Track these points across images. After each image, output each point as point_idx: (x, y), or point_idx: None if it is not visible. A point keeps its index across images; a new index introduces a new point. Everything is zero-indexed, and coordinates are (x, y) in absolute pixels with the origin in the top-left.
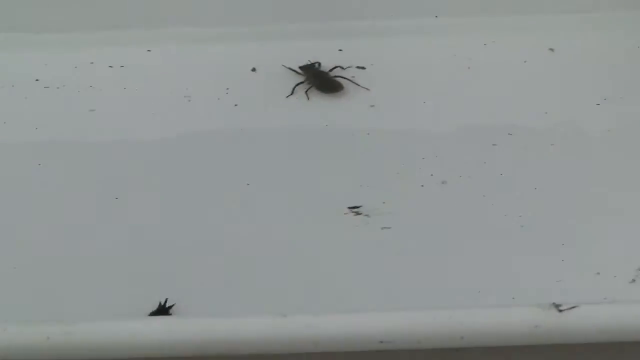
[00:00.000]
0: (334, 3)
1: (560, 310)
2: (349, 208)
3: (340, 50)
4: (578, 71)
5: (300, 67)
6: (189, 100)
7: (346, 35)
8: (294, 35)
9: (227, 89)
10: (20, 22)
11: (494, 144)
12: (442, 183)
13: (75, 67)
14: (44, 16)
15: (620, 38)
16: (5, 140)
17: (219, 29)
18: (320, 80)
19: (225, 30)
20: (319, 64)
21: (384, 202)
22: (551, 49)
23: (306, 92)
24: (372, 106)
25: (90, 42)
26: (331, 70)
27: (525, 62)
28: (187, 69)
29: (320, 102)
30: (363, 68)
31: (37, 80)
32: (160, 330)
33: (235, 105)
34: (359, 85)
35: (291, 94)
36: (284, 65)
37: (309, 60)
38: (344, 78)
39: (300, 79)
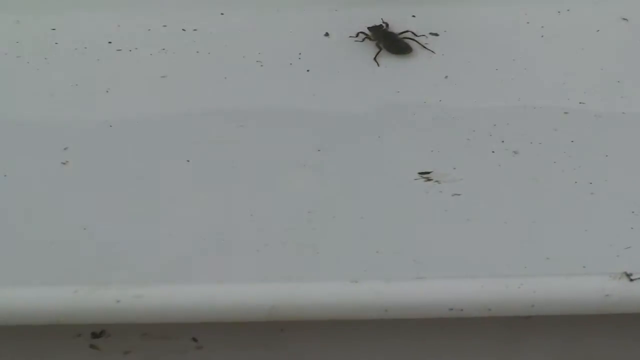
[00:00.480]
0: None
1: (632, 280)
2: (420, 174)
3: (413, 16)
4: None
5: (369, 28)
6: (262, 65)
7: (420, 2)
8: (367, 1)
9: (300, 54)
10: None
11: (565, 112)
12: (513, 152)
13: (149, 30)
14: None
15: None
16: (76, 101)
17: None
18: (389, 41)
19: None
20: (387, 24)
21: (454, 168)
22: (625, 19)
23: (375, 58)
24: (446, 77)
25: (163, 4)
26: (401, 33)
27: (598, 31)
28: (260, 34)
29: (394, 70)
30: (436, 35)
31: (109, 42)
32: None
33: (308, 70)
34: (427, 48)
35: (377, 65)
36: (351, 36)
37: (380, 20)
38: (413, 40)
39: (370, 41)
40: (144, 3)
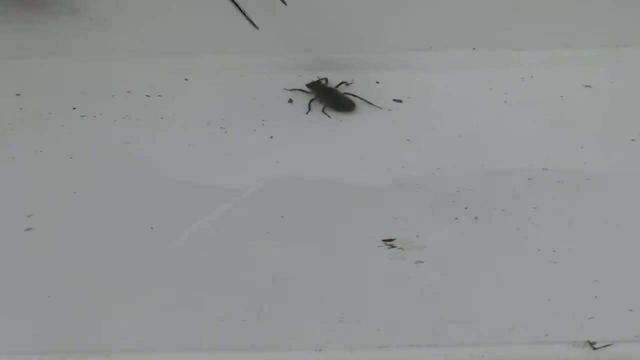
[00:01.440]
0: (372, 35)
1: (595, 348)
2: (384, 241)
3: (377, 82)
4: (614, 107)
5: (308, 85)
6: (225, 132)
7: (384, 68)
8: (331, 65)
9: (264, 120)
10: (59, 49)
11: (529, 178)
12: (475, 218)
13: (112, 96)
14: (82, 44)
15: None
16: (39, 167)
17: (255, 58)
18: (332, 98)
19: (262, 59)
20: (326, 79)
21: (417, 236)
22: (587, 85)
23: (323, 110)
24: (408, 140)
25: (127, 70)
26: (337, 86)
27: (561, 97)
28: (224, 100)
29: (357, 136)
30: (400, 101)
31: (74, 108)
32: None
33: (271, 137)
34: (371, 103)
35: (309, 110)
36: (285, 89)
37: (316, 77)
38: (355, 96)
39: (310, 96)
40: (108, 69)
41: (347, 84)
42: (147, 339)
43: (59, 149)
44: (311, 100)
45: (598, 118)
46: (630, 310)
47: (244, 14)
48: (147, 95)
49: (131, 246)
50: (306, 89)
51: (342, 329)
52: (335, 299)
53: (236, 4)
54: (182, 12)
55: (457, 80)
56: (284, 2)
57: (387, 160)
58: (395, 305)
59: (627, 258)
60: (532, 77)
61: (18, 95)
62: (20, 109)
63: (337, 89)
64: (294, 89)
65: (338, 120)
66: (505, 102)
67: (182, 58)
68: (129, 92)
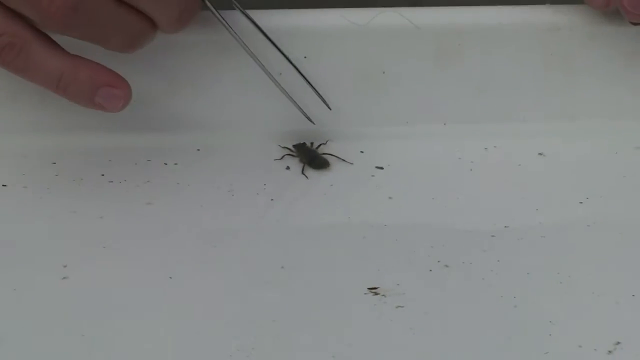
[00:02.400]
0: (358, 112)
1: None
2: (369, 289)
3: (362, 152)
4: (564, 173)
5: (294, 146)
6: (233, 195)
7: (368, 139)
8: (320, 139)
9: (265, 184)
10: (89, 124)
11: (492, 235)
12: (448, 268)
13: (135, 164)
14: (109, 120)
15: (601, 144)
16: (73, 225)
17: (255, 132)
18: (309, 157)
19: (261, 132)
20: (312, 143)
21: (398, 284)
22: (541, 154)
23: (302, 171)
24: (390, 198)
25: (147, 143)
26: (317, 147)
27: (519, 165)
28: (231, 168)
29: (344, 198)
30: (381, 168)
31: (102, 175)
32: None
33: (272, 199)
34: (345, 160)
35: (280, 159)
36: (279, 145)
37: (300, 140)
38: (331, 155)
39: (294, 154)
40: (131, 142)
41: (323, 144)
42: None
43: (90, 209)
44: (287, 154)
45: (551, 183)
46: (580, 346)
47: (319, 95)
48: (165, 164)
49: (150, 294)
50: (293, 149)
51: None
52: (324, 343)
53: (311, 86)
54: (192, 94)
55: (430, 150)
56: (328, 107)
57: (369, 219)
58: (378, 346)
59: (576, 302)
60: (494, 147)
61: (54, 163)
62: (56, 175)
63: (316, 149)
64: (284, 155)
65: (329, 185)
66: (471, 170)
67: (194, 133)
68: (149, 160)
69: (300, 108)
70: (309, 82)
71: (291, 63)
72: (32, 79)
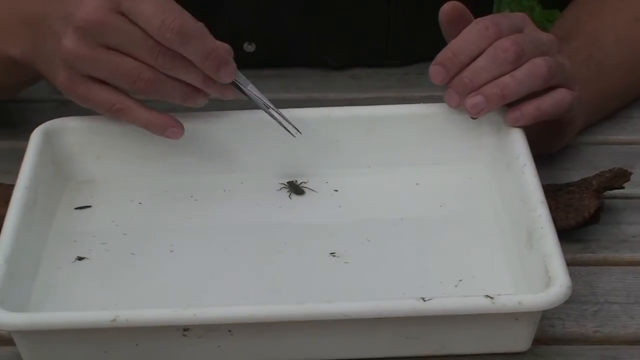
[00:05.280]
0: (331, 161)
1: (425, 300)
2: (330, 253)
3: (326, 182)
4: (429, 192)
5: (288, 182)
6: (257, 205)
7: (329, 175)
8: (302, 177)
9: (276, 200)
10: (177, 169)
11: (394, 224)
12: (368, 240)
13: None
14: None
15: (454, 173)
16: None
17: (265, 176)
18: (294, 189)
19: (269, 176)
20: (296, 180)
21: (345, 251)
22: (418, 184)
23: (289, 195)
24: (340, 207)
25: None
26: (300, 183)
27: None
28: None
29: (315, 207)
30: (337, 190)
31: (191, 196)
32: None
33: (280, 207)
34: (314, 190)
35: (279, 190)
36: (280, 183)
37: (291, 179)
38: (305, 187)
39: (286, 186)
40: (208, 179)
41: (303, 182)
42: None
43: (182, 213)
44: (288, 191)
45: (422, 196)
46: (440, 282)
47: (282, 124)
48: (223, 190)
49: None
50: (286, 184)
51: None
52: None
53: (277, 117)
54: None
55: (372, 181)
56: (298, 131)
57: (330, 216)
58: (335, 282)
59: (441, 257)
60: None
61: (166, 191)
62: (166, 192)
63: (298, 184)
64: (281, 187)
65: (307, 199)
66: (383, 192)
67: (219, 175)
68: (194, 196)
69: (284, 125)
70: (285, 119)
71: (268, 106)
72: (135, 124)
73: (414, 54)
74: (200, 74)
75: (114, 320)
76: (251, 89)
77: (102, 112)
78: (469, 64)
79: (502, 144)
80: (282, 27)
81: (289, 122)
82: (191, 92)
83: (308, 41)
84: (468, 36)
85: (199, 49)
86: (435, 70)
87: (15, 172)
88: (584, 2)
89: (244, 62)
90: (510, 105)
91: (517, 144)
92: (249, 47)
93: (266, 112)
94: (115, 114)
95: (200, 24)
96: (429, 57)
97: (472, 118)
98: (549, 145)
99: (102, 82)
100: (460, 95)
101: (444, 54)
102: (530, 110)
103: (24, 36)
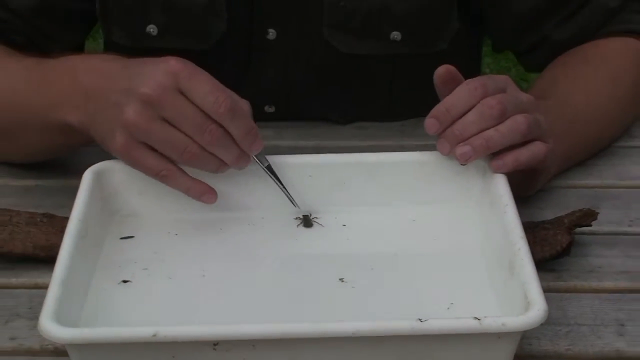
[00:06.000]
0: (337, 200)
1: (422, 321)
2: (339, 279)
3: (344, 225)
4: (423, 229)
5: (303, 216)
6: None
7: (338, 212)
8: (313, 212)
9: (291, 231)
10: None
11: (395, 254)
12: (372, 269)
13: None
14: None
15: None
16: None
17: (277, 213)
18: (305, 221)
19: (282, 213)
20: (310, 214)
21: (353, 278)
22: (413, 220)
23: (297, 225)
24: (348, 239)
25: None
26: (311, 217)
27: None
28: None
29: (324, 238)
30: (345, 225)
31: (221, 229)
32: None
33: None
34: (322, 225)
35: (298, 224)
36: (295, 218)
37: (306, 212)
38: (316, 222)
39: (301, 219)
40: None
41: (316, 216)
42: None
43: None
44: (300, 222)
45: (417, 231)
46: (436, 304)
47: (288, 195)
48: (248, 224)
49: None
50: (302, 217)
51: None
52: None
53: (281, 186)
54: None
55: (375, 217)
56: (297, 206)
57: (326, 250)
58: (343, 304)
59: (434, 284)
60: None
61: (198, 230)
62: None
63: (310, 217)
64: (299, 223)
65: (325, 244)
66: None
67: (244, 212)
68: (226, 225)
69: (292, 199)
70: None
71: (276, 178)
72: (177, 189)
73: (411, 114)
74: (234, 152)
75: (155, 335)
76: (267, 167)
77: (150, 175)
78: (459, 118)
79: (487, 187)
80: (298, 92)
81: (291, 197)
82: (222, 165)
83: (320, 104)
84: (459, 94)
85: (242, 125)
86: (430, 123)
87: (68, 206)
88: (561, 64)
89: (265, 120)
90: (494, 154)
91: (500, 186)
92: (270, 109)
93: (274, 182)
94: (161, 179)
95: (245, 102)
96: (423, 114)
97: (461, 164)
98: (526, 189)
99: (153, 149)
100: (451, 145)
101: (438, 109)
102: (510, 160)
103: (84, 106)
